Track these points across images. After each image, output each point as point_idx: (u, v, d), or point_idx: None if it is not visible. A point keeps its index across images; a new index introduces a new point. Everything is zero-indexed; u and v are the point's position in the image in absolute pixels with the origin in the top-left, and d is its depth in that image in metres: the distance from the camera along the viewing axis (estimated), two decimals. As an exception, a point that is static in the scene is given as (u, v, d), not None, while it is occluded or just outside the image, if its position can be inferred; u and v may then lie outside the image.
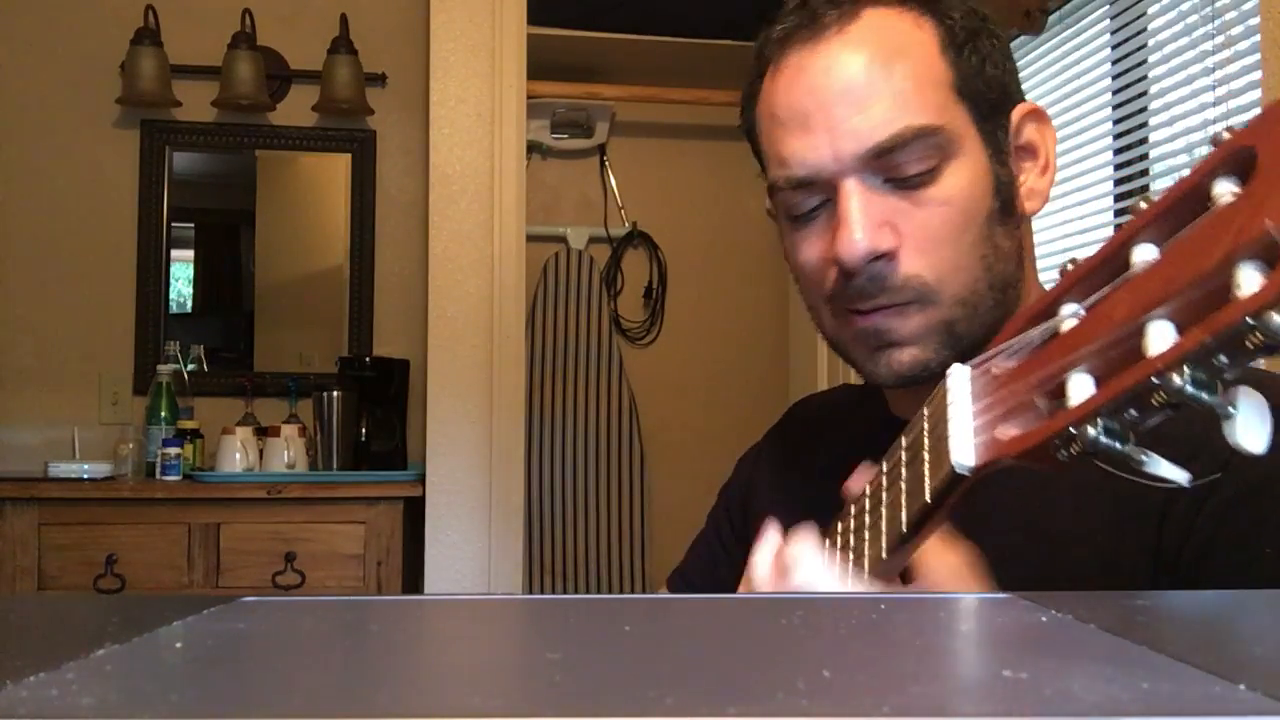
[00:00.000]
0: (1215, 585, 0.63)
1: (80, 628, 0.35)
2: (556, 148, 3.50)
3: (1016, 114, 0.78)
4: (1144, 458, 0.39)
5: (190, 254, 2.96)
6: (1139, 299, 0.38)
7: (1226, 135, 0.36)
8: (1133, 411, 0.38)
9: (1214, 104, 1.82)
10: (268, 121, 2.88)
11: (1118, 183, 2.11)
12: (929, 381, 0.75)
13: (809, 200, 0.76)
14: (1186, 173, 0.38)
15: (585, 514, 3.41)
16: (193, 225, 2.97)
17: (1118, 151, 2.11)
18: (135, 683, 0.27)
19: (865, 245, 0.71)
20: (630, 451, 3.45)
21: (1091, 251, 0.44)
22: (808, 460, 0.93)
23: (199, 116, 2.84)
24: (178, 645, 0.31)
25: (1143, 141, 2.04)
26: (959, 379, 0.51)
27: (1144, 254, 0.39)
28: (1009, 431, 0.46)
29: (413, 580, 2.51)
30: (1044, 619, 0.35)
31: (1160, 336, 0.37)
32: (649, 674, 0.28)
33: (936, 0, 0.76)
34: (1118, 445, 0.39)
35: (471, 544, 2.48)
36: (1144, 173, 2.05)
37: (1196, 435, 0.47)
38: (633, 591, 3.41)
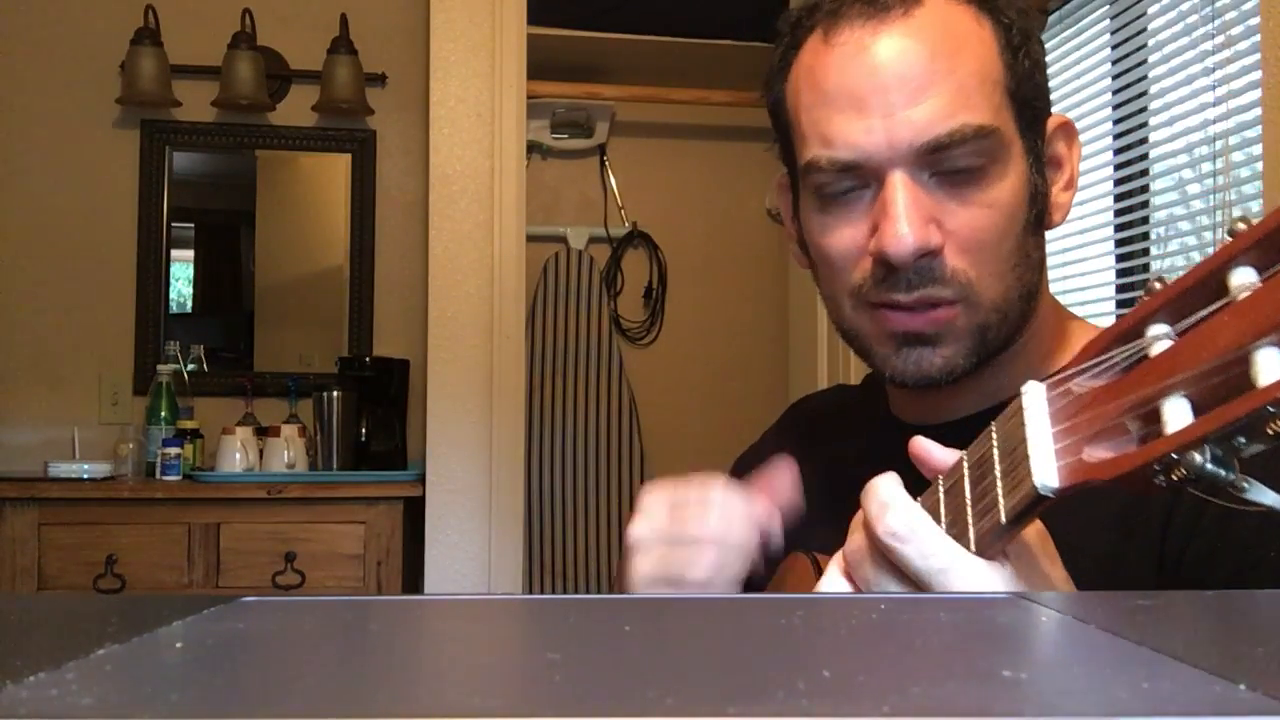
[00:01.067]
0: (1218, 587, 0.63)
1: (80, 628, 0.35)
2: (556, 148, 3.50)
3: (1050, 125, 0.76)
4: (1247, 485, 0.39)
5: (190, 254, 2.96)
6: (1245, 325, 0.37)
7: None
8: (1241, 439, 0.38)
9: (1214, 104, 1.82)
10: (268, 121, 2.88)
11: (1117, 183, 2.11)
12: (948, 385, 0.75)
13: (845, 182, 0.73)
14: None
15: (585, 514, 3.41)
16: (193, 225, 2.97)
17: (1118, 151, 2.11)
18: (135, 683, 0.27)
19: (915, 242, 0.69)
20: (630, 451, 3.45)
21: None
22: (810, 459, 0.92)
23: (199, 116, 2.84)
24: (178, 645, 0.31)
25: (1143, 141, 2.04)
26: (1035, 397, 0.49)
27: (1243, 278, 0.38)
28: (1098, 454, 0.44)
29: (413, 580, 2.51)
30: (1044, 619, 0.35)
31: (1272, 365, 0.36)
32: (649, 674, 0.28)
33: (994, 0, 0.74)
34: (1223, 473, 0.38)
35: (471, 544, 2.48)
36: (1144, 173, 2.05)
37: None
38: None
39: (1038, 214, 0.74)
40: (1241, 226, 0.38)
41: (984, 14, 0.73)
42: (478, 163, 2.51)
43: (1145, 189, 2.05)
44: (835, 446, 0.91)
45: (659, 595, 0.68)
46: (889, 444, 0.64)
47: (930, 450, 0.57)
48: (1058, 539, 0.58)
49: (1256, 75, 1.64)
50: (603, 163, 3.54)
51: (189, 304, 2.95)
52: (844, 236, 0.74)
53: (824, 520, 0.67)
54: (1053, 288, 0.85)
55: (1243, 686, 0.24)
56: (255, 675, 0.29)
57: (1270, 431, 0.36)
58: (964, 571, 0.50)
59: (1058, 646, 0.32)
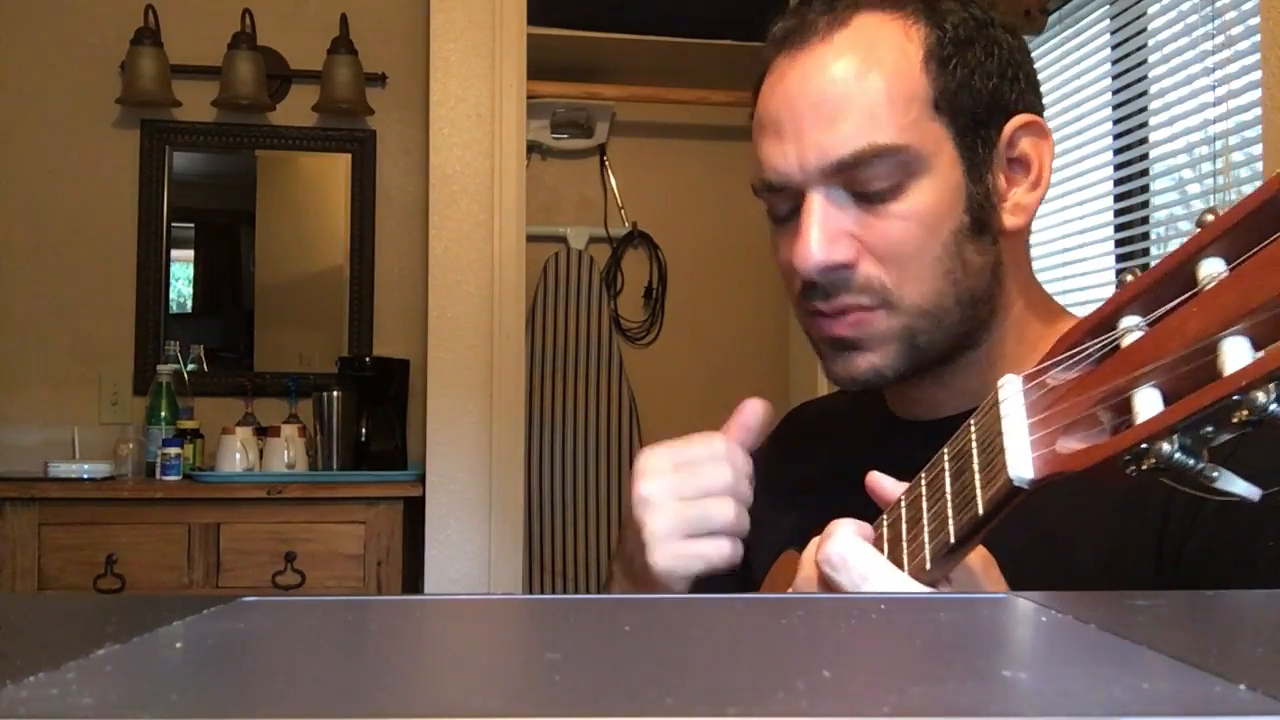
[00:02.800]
0: (1216, 584, 0.63)
1: (80, 628, 0.35)
2: (556, 148, 3.50)
3: (1011, 125, 0.76)
4: (1216, 474, 0.39)
5: (190, 254, 2.96)
6: (1212, 315, 0.37)
7: None
8: (1209, 428, 0.38)
9: (1214, 104, 1.82)
10: (268, 121, 2.88)
11: (1117, 183, 2.11)
12: (892, 385, 0.77)
13: (782, 204, 0.78)
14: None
15: (585, 514, 3.41)
16: (193, 225, 2.97)
17: (1117, 151, 2.11)
18: (135, 683, 0.27)
19: (819, 258, 0.73)
20: (630, 451, 3.45)
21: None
22: (808, 464, 0.93)
23: (199, 116, 2.84)
24: (178, 645, 0.31)
25: (1143, 141, 2.04)
26: (1011, 390, 0.50)
27: (1212, 268, 0.38)
28: (1071, 445, 0.45)
29: (413, 580, 2.51)
30: (1044, 619, 0.35)
31: (1237, 353, 0.36)
32: (649, 674, 0.28)
33: (934, 6, 0.75)
34: (1191, 461, 0.39)
35: (471, 544, 2.48)
36: (1144, 173, 2.05)
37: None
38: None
39: (976, 220, 0.74)
40: (1210, 218, 0.39)
41: (918, 24, 0.74)
42: (478, 163, 2.51)
43: (1145, 189, 2.04)
44: (835, 447, 0.91)
45: (661, 596, 0.68)
46: (886, 440, 0.64)
47: (880, 483, 0.61)
48: (1055, 537, 0.58)
49: (1256, 75, 1.64)
50: (603, 163, 3.54)
51: (189, 304, 2.95)
52: (784, 251, 0.79)
53: (824, 518, 0.67)
54: (1053, 288, 0.85)
55: (1243, 686, 0.24)
56: (255, 675, 0.29)
57: (1236, 420, 0.37)
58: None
59: (1058, 646, 0.32)
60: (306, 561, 2.38)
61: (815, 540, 0.58)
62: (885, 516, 0.60)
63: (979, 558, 0.57)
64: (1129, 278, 0.43)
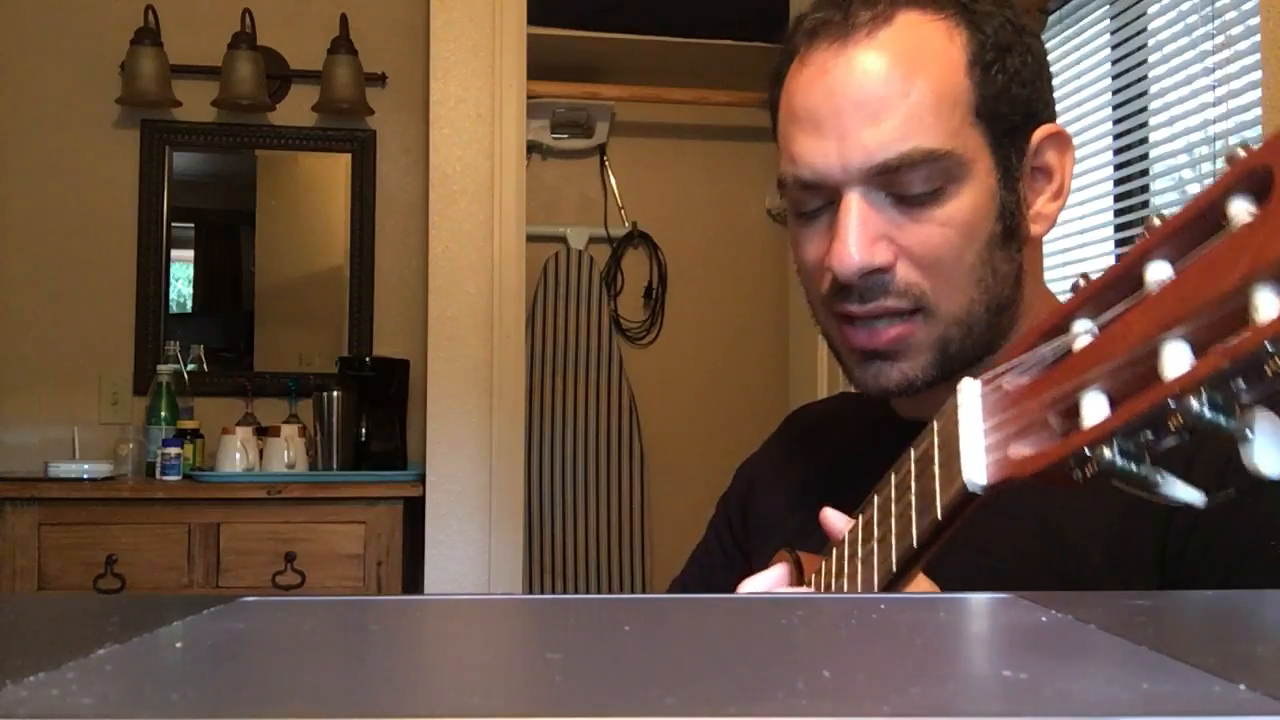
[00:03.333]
0: (1221, 581, 0.63)
1: (80, 628, 0.35)
2: (556, 148, 3.50)
3: (1038, 135, 0.77)
4: (1159, 479, 0.39)
5: (190, 254, 2.96)
6: (1154, 319, 0.37)
7: (1242, 153, 0.35)
8: (1148, 434, 0.38)
9: (1214, 104, 1.82)
10: (268, 121, 2.88)
11: (1117, 183, 2.11)
12: (909, 396, 0.76)
13: (813, 200, 0.76)
14: (1193, 188, 0.38)
15: (585, 514, 3.41)
16: (193, 225, 2.97)
17: (1117, 152, 2.11)
18: (135, 683, 0.27)
19: (859, 260, 0.71)
20: (630, 451, 3.45)
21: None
22: (809, 466, 0.93)
23: (199, 116, 2.84)
24: (178, 645, 0.31)
25: (1143, 142, 2.04)
26: (969, 394, 0.50)
27: (1158, 272, 0.38)
28: (1022, 450, 0.45)
29: (413, 580, 2.51)
30: (1044, 619, 0.35)
31: (1176, 358, 0.36)
32: (649, 674, 0.28)
33: (973, 9, 0.74)
34: (1133, 467, 0.39)
35: (471, 544, 2.48)
36: (1144, 173, 2.05)
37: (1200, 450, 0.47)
38: (633, 591, 3.41)
39: (1007, 228, 0.75)
40: (1156, 221, 0.39)
41: (959, 28, 0.74)
42: (478, 163, 2.51)
43: (1145, 189, 2.04)
44: (836, 449, 0.91)
45: (661, 596, 0.68)
46: (888, 440, 0.64)
47: (830, 519, 0.63)
48: (1059, 537, 0.58)
49: (1256, 75, 1.64)
50: (603, 163, 3.54)
51: (189, 304, 2.95)
52: (813, 249, 0.77)
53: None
54: (1053, 287, 0.85)
55: (1243, 686, 0.24)
56: (255, 675, 0.29)
57: (1173, 426, 0.36)
58: None
59: (1058, 646, 0.32)
60: (306, 561, 2.38)
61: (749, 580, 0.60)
62: (860, 515, 0.61)
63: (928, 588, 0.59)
64: (1082, 281, 0.43)
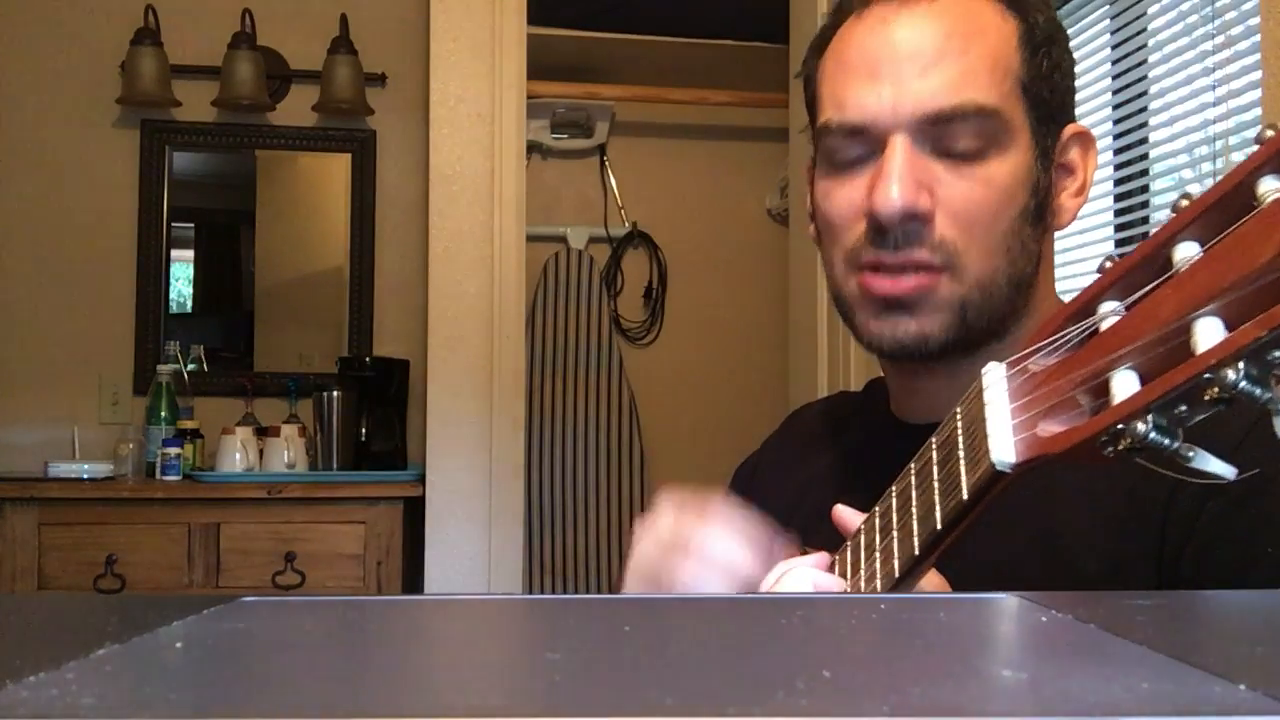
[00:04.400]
0: (1217, 585, 0.63)
1: (80, 628, 0.35)
2: (556, 148, 3.50)
3: (1066, 132, 0.79)
4: (1191, 454, 0.39)
5: (190, 254, 2.96)
6: (1185, 296, 0.38)
7: (1270, 133, 0.36)
8: (1183, 407, 0.38)
9: (1214, 104, 1.82)
10: (268, 121, 2.88)
11: (1117, 183, 2.11)
12: (921, 360, 0.76)
13: (854, 148, 0.76)
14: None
15: (585, 514, 3.41)
16: (193, 225, 2.97)
17: (1118, 151, 2.11)
18: (135, 683, 0.27)
19: (902, 201, 0.71)
20: (630, 451, 3.45)
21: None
22: (809, 466, 0.92)
23: (199, 116, 2.84)
24: (178, 645, 0.31)
25: (1143, 141, 2.04)
26: (995, 377, 0.50)
27: (1186, 251, 0.39)
28: (1051, 429, 0.45)
29: (413, 580, 2.51)
30: (1044, 619, 0.35)
31: (1210, 333, 0.37)
32: (649, 674, 0.28)
33: (1022, 0, 0.77)
34: (1167, 441, 0.39)
35: (471, 544, 2.48)
36: (1144, 173, 2.04)
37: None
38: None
39: (1038, 206, 0.76)
40: (1184, 203, 0.39)
41: (1011, 11, 0.76)
42: (478, 163, 2.50)
43: (1145, 189, 2.04)
44: (836, 449, 0.91)
45: (656, 596, 0.68)
46: (888, 442, 0.64)
47: (843, 515, 0.63)
48: (1059, 537, 0.58)
49: (1256, 75, 1.63)
50: (603, 163, 3.54)
51: (189, 304, 2.95)
52: (844, 198, 0.77)
53: (825, 521, 0.67)
54: (1054, 286, 0.85)
55: (1243, 686, 0.24)
56: (255, 675, 0.29)
57: (1209, 398, 0.37)
58: None
59: (1058, 646, 0.32)
60: (306, 561, 2.38)
61: (776, 571, 0.59)
62: (877, 506, 0.61)
63: (935, 585, 0.59)
64: (1108, 263, 0.43)
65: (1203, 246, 0.38)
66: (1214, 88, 1.82)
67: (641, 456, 3.46)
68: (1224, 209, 0.38)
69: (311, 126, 2.89)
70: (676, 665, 0.29)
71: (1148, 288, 0.40)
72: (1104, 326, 0.43)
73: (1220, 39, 1.79)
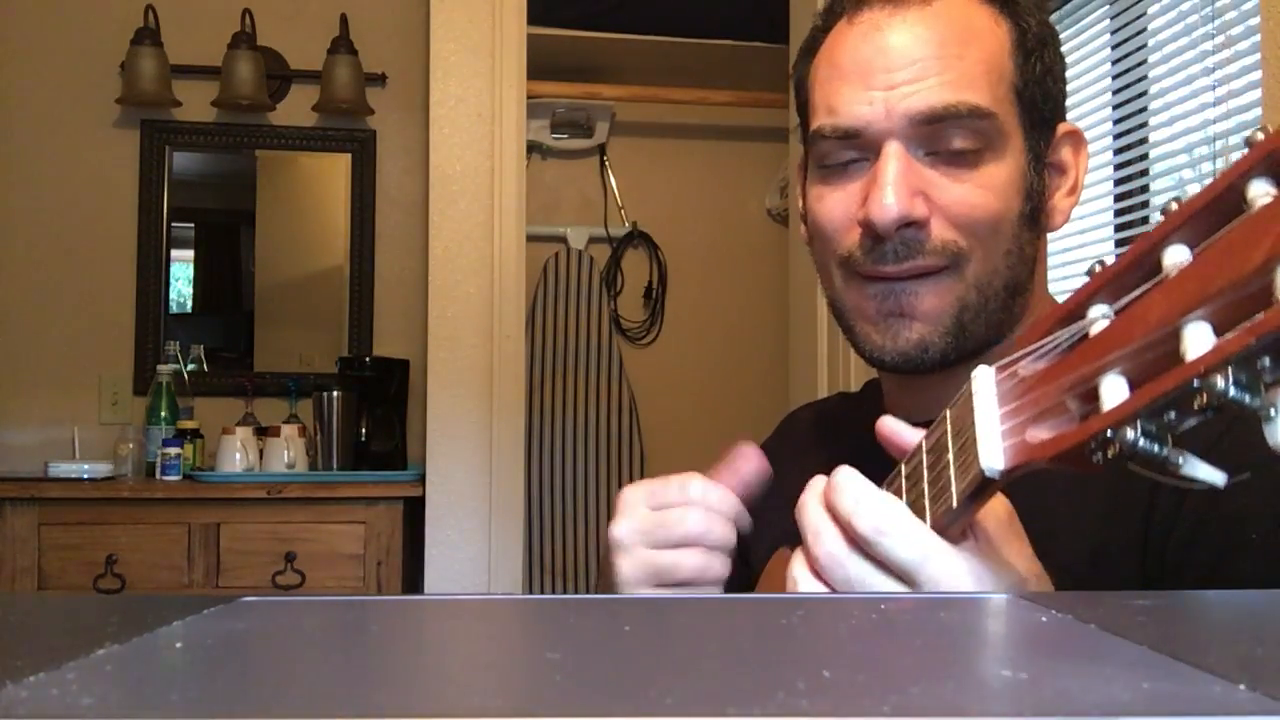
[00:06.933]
0: (1202, 574, 0.63)
1: (80, 628, 0.35)
2: (556, 148, 3.50)
3: (1058, 131, 0.79)
4: (1181, 460, 0.39)
5: (190, 254, 2.96)
6: (1174, 301, 0.37)
7: (1261, 136, 0.36)
8: (1171, 414, 0.38)
9: (1214, 104, 1.82)
10: (268, 121, 2.88)
11: (1117, 183, 2.11)
12: (920, 371, 0.76)
13: (847, 153, 0.75)
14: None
15: (585, 514, 3.41)
16: (193, 225, 2.97)
17: (1117, 151, 2.11)
18: (135, 683, 0.27)
19: (898, 210, 0.71)
20: (630, 451, 3.45)
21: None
22: (806, 466, 0.92)
23: (199, 116, 2.84)
24: (178, 645, 0.31)
25: (1143, 141, 2.04)
26: (984, 381, 0.50)
27: (1176, 255, 0.39)
28: (1040, 435, 0.45)
29: (413, 580, 2.51)
30: (1044, 619, 0.35)
31: (1199, 339, 0.36)
32: (649, 674, 0.28)
33: (1015, 3, 0.77)
34: (1156, 448, 0.39)
35: (471, 544, 2.48)
36: (1144, 173, 2.04)
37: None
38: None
39: (1033, 210, 0.75)
40: (1174, 205, 0.39)
41: (1003, 15, 0.76)
42: (478, 163, 2.50)
43: (1145, 189, 2.04)
44: (832, 451, 0.91)
45: (655, 595, 0.68)
46: (884, 446, 0.64)
47: (896, 429, 0.59)
48: (1042, 530, 0.58)
49: (1256, 75, 1.63)
50: (603, 163, 3.54)
51: (189, 304, 2.95)
52: (838, 205, 0.76)
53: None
54: (1052, 288, 0.85)
55: (1243, 686, 0.24)
56: (255, 675, 0.29)
57: (1197, 405, 0.36)
58: (939, 558, 0.51)
59: (1058, 646, 0.32)
60: (306, 561, 2.38)
61: (819, 488, 0.56)
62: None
63: (1004, 511, 0.56)
64: (1098, 267, 0.43)
65: (1192, 250, 0.38)
66: (1214, 88, 1.82)
67: (641, 457, 3.46)
68: (1214, 212, 0.37)
69: (311, 126, 2.89)
70: (676, 665, 0.29)
71: (1137, 292, 0.40)
72: (1093, 331, 0.43)
73: (1220, 39, 1.79)
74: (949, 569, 0.51)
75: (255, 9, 2.79)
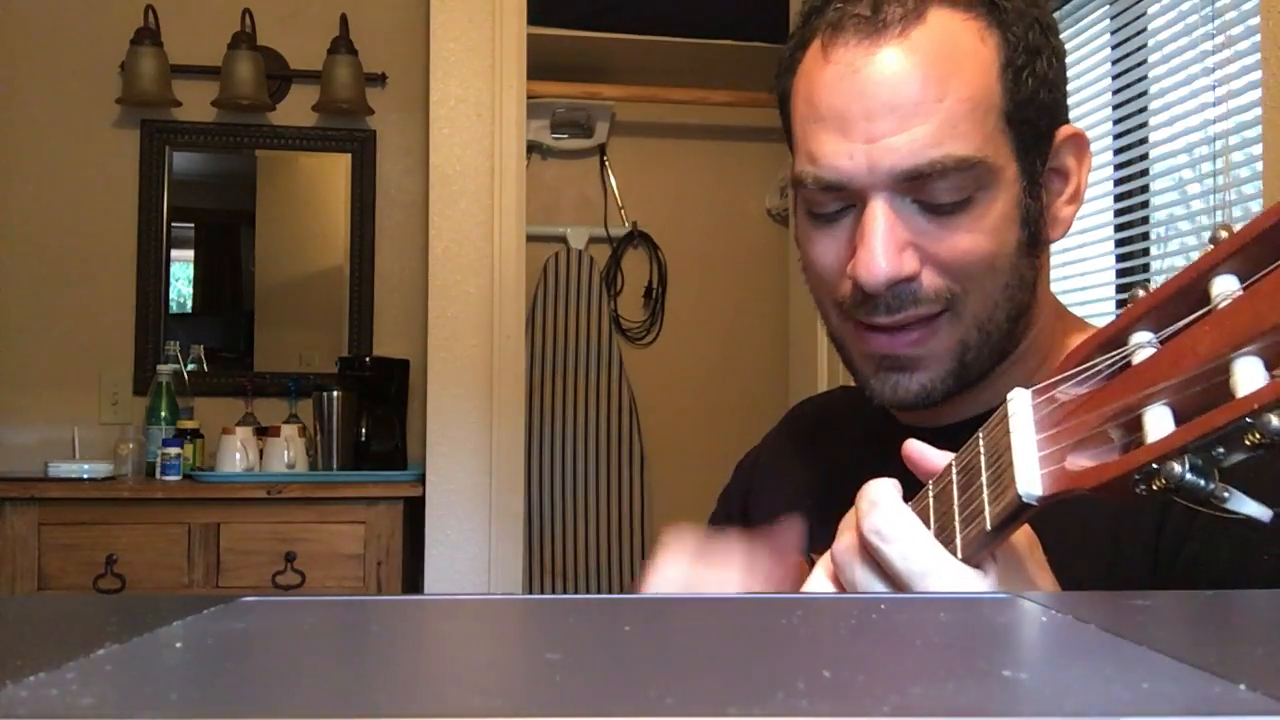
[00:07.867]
0: (1212, 589, 0.63)
1: (80, 628, 0.35)
2: (556, 148, 3.50)
3: (1059, 137, 0.75)
4: (1227, 494, 0.38)
5: (190, 254, 2.96)
6: (1225, 334, 0.37)
7: None
8: (1220, 449, 0.37)
9: (1214, 104, 1.82)
10: (268, 121, 2.88)
11: (1117, 183, 2.11)
12: (926, 408, 0.75)
13: (832, 204, 0.73)
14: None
15: (585, 514, 3.41)
16: (193, 225, 2.97)
17: (1117, 152, 2.10)
18: (135, 683, 0.27)
19: (887, 272, 0.69)
20: (630, 451, 3.45)
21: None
22: (809, 462, 0.92)
23: (199, 116, 2.84)
24: (178, 645, 0.31)
25: (1143, 142, 2.04)
26: (1020, 404, 0.49)
27: (1225, 285, 0.38)
28: (1081, 462, 0.44)
29: (413, 580, 2.51)
30: (1044, 619, 0.35)
31: (1251, 374, 0.36)
32: (649, 674, 0.28)
33: (1004, 7, 0.72)
34: (1202, 482, 0.38)
35: (471, 544, 2.48)
36: (1144, 173, 2.04)
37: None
38: (632, 592, 3.40)
39: (1031, 234, 0.73)
40: (1223, 234, 0.38)
41: (991, 29, 0.71)
42: (478, 163, 2.50)
43: (1145, 189, 2.04)
44: (835, 448, 0.91)
45: (661, 596, 0.68)
46: (887, 445, 0.64)
47: (924, 453, 0.58)
48: (1052, 546, 0.58)
49: (1256, 75, 1.63)
50: (603, 163, 3.54)
51: (189, 304, 2.95)
52: (828, 252, 0.74)
53: (824, 521, 0.67)
54: (1053, 288, 0.84)
55: (1243, 686, 0.24)
56: (255, 675, 0.29)
57: (1249, 442, 0.36)
58: (945, 575, 0.51)
59: (1058, 646, 0.32)
60: (306, 561, 2.38)
61: (860, 504, 0.55)
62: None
63: (1025, 539, 0.55)
64: (1140, 293, 0.42)
65: (1242, 281, 0.37)
66: (1214, 88, 1.82)
67: (641, 456, 3.46)
68: (1266, 244, 0.36)
69: (311, 126, 2.89)
70: (676, 665, 0.29)
71: (1183, 321, 0.39)
72: (1136, 359, 0.42)
73: (1220, 39, 1.79)
74: (954, 587, 0.51)
75: (255, 9, 2.79)
